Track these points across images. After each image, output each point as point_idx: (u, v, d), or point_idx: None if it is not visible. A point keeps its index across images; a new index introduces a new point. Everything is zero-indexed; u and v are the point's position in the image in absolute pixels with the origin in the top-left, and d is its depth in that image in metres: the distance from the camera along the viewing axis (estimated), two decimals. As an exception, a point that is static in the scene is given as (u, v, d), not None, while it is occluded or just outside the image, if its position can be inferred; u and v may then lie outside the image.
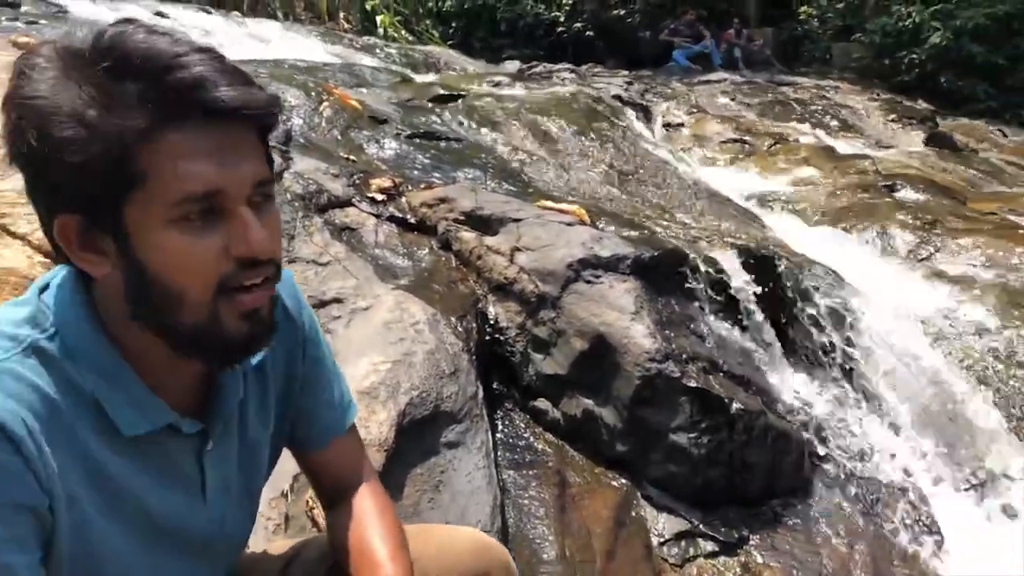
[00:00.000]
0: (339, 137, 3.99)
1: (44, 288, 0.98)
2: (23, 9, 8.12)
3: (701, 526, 2.51)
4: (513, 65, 10.76)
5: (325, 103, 4.16)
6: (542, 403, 2.72)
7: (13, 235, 2.22)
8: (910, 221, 4.87)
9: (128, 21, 0.89)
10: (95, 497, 0.94)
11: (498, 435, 2.62)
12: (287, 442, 1.26)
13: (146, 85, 0.85)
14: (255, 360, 1.10)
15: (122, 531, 0.97)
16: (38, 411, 0.88)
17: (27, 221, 2.27)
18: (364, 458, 1.32)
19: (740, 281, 2.97)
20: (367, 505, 1.24)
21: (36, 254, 2.20)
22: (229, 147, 0.88)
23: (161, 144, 0.85)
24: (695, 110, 8.66)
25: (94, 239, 0.90)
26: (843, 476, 2.82)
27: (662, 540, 2.46)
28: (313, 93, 4.21)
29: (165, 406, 0.98)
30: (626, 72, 10.86)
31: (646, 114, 7.89)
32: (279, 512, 1.86)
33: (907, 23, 12.34)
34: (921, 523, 2.77)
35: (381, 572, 1.13)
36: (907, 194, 5.73)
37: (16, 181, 2.37)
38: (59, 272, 0.99)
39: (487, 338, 2.80)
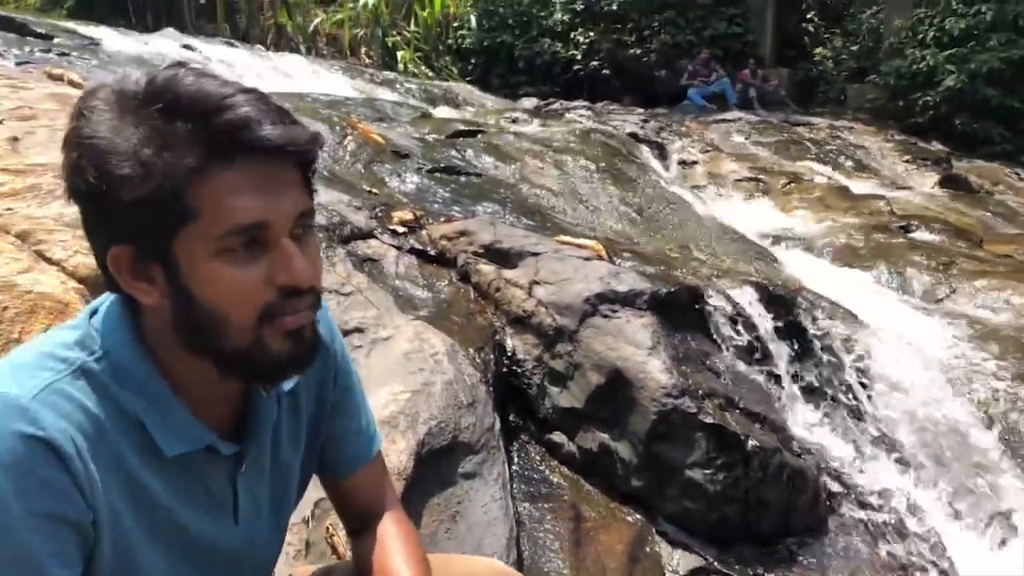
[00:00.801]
0: (362, 170, 4.07)
1: (94, 312, 1.02)
2: (56, 41, 8.33)
3: (716, 563, 2.51)
4: (530, 102, 10.91)
5: (349, 137, 4.24)
6: (558, 436, 2.74)
7: (49, 261, 2.28)
8: (925, 262, 4.89)
9: (179, 65, 0.95)
10: (135, 515, 0.97)
11: (514, 467, 2.64)
12: (316, 468, 1.29)
13: (196, 126, 0.89)
14: (289, 385, 1.13)
15: (158, 549, 1.00)
16: (86, 430, 0.92)
17: (61, 248, 2.33)
18: (389, 486, 1.35)
19: (756, 318, 2.99)
20: (392, 532, 1.27)
21: (70, 280, 2.25)
22: (273, 182, 0.93)
23: (211, 180, 0.90)
24: (710, 148, 8.75)
25: (145, 269, 0.94)
26: (857, 515, 2.82)
27: (677, 576, 2.47)
28: (337, 127, 4.30)
29: (205, 427, 1.02)
30: (641, 110, 10.99)
31: (661, 152, 7.98)
32: (300, 538, 1.89)
33: (921, 66, 12.42)
34: (935, 564, 2.76)
35: None
36: (922, 235, 5.76)
37: (53, 210, 2.44)
38: (108, 298, 1.03)
39: (504, 370, 2.84)
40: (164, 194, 0.89)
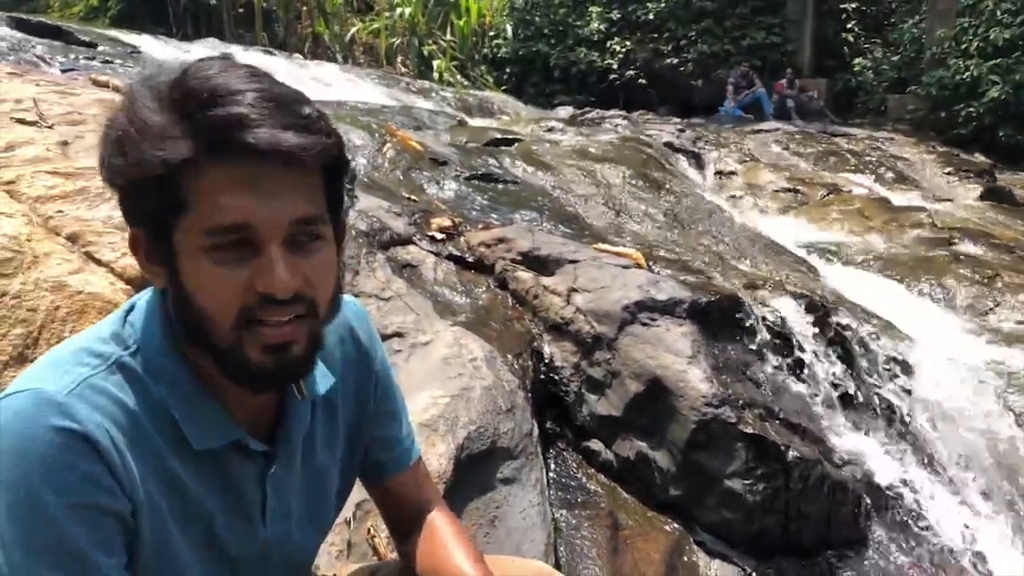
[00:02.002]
0: (401, 177, 4.10)
1: (131, 309, 1.04)
2: (99, 49, 8.51)
3: (755, 574, 2.49)
4: (566, 111, 10.89)
5: (388, 144, 4.28)
6: (595, 444, 2.73)
7: (99, 262, 2.32)
8: (969, 275, 4.81)
9: (223, 57, 0.97)
10: (169, 507, 0.99)
11: (551, 474, 2.64)
12: (359, 472, 1.29)
13: (193, 118, 0.90)
14: (323, 390, 1.13)
15: (189, 543, 1.02)
16: (121, 424, 0.94)
17: (110, 249, 2.38)
18: (433, 486, 1.36)
19: (798, 329, 2.97)
20: (443, 524, 1.27)
21: (118, 281, 2.30)
22: (267, 185, 0.91)
23: (203, 176, 0.90)
24: (747, 159, 8.68)
25: (156, 254, 0.96)
26: (900, 530, 2.78)
27: (715, 587, 2.44)
28: (376, 135, 4.34)
29: (233, 423, 1.03)
30: (677, 120, 10.94)
31: (698, 161, 7.94)
32: (342, 539, 1.90)
33: (965, 76, 12.23)
34: (980, 581, 2.71)
35: None
36: (965, 247, 5.66)
37: (102, 212, 2.49)
38: (143, 295, 1.06)
39: (541, 377, 2.83)
40: (159, 183, 0.90)
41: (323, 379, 1.11)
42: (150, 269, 0.98)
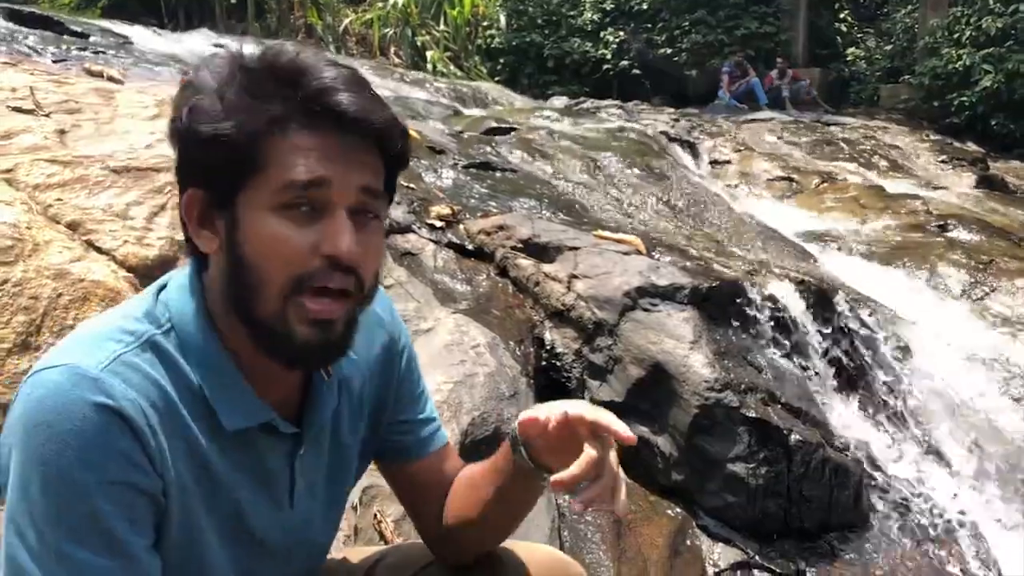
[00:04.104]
0: (398, 165, 4.09)
1: (162, 288, 1.04)
2: (91, 39, 8.44)
3: (757, 557, 2.50)
4: (560, 101, 10.86)
5: (385, 132, 4.26)
6: (597, 430, 2.73)
7: (100, 251, 2.31)
8: (964, 261, 4.83)
9: (295, 43, 1.02)
10: (199, 488, 0.99)
11: (553, 460, 2.64)
12: (379, 455, 1.28)
13: (284, 85, 0.94)
14: (348, 371, 1.14)
15: (216, 525, 1.02)
16: (154, 401, 0.94)
17: (111, 237, 2.37)
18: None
19: (798, 314, 2.98)
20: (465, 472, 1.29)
21: (120, 269, 2.29)
22: (345, 153, 0.95)
23: (285, 139, 0.94)
24: (742, 148, 8.67)
25: (212, 217, 0.98)
26: (900, 512, 2.79)
27: (718, 570, 2.46)
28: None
29: (265, 404, 1.03)
30: (672, 110, 10.92)
31: (693, 151, 7.93)
32: (348, 524, 1.90)
33: (957, 65, 12.24)
34: (980, 561, 2.72)
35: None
36: (960, 234, 5.67)
37: (102, 200, 2.47)
38: (174, 274, 1.06)
39: (543, 364, 2.84)
40: (239, 139, 0.93)
41: (348, 360, 1.11)
42: (200, 233, 0.99)
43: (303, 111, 0.94)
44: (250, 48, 1.00)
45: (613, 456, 1.06)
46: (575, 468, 1.02)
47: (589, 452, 1.03)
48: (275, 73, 0.95)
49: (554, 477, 1.03)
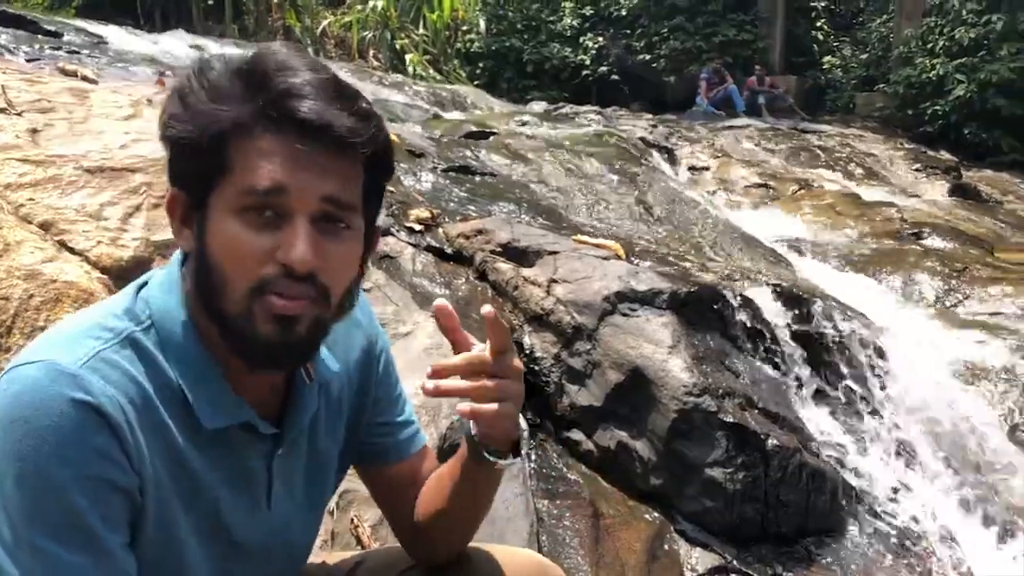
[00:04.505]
0: (377, 168, 4.08)
1: (143, 286, 1.03)
2: (65, 39, 8.35)
3: (735, 562, 2.51)
4: (539, 106, 10.90)
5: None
6: (576, 434, 2.73)
7: (72, 251, 2.27)
8: (938, 268, 4.89)
9: (291, 46, 1.00)
10: (176, 487, 0.98)
11: (532, 465, 2.63)
12: (359, 459, 1.27)
13: (252, 86, 0.94)
14: (329, 375, 1.13)
15: (193, 526, 1.00)
16: (132, 399, 0.93)
17: (84, 238, 2.33)
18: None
19: (774, 318, 2.99)
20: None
21: (93, 270, 2.25)
22: (308, 159, 0.93)
23: (251, 143, 0.93)
24: (719, 154, 8.74)
25: (190, 217, 0.98)
26: (875, 517, 2.81)
27: (696, 575, 2.46)
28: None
29: (244, 403, 1.02)
30: (650, 115, 10.97)
31: (671, 157, 7.97)
32: (326, 529, 1.88)
33: (931, 75, 12.41)
34: (951, 565, 2.75)
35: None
36: (934, 242, 5.75)
37: (75, 200, 2.43)
38: (156, 272, 1.05)
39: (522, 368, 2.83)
40: (202, 141, 0.93)
41: (329, 364, 1.12)
42: (181, 232, 1.00)
43: (269, 115, 0.93)
44: (231, 50, 0.99)
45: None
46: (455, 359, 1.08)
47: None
48: (242, 76, 0.95)
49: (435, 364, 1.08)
